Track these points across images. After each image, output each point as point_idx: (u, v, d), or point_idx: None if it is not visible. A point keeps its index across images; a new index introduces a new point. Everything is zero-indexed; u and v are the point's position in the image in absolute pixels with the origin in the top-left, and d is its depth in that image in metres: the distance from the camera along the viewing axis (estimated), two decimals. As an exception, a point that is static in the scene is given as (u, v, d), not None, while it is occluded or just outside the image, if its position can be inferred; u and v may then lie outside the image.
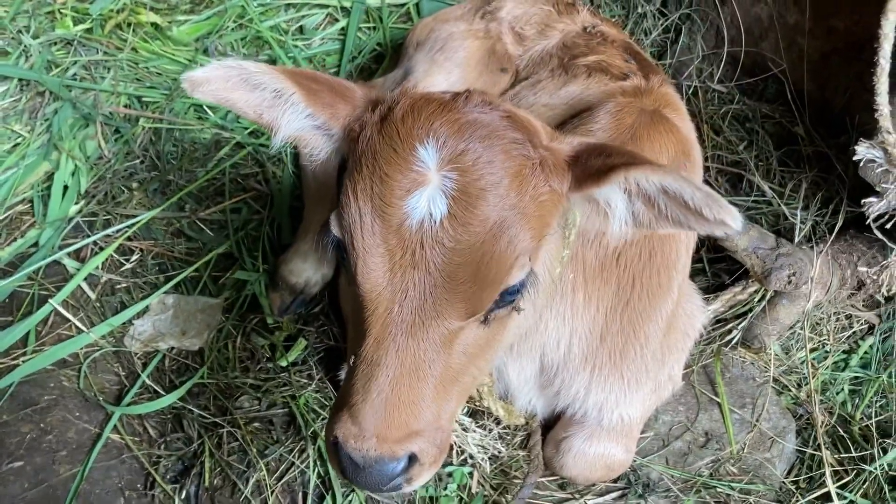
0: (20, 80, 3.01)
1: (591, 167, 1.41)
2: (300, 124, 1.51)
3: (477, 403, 2.23)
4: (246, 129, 3.02)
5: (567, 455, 2.19)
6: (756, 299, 2.49)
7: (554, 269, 1.62)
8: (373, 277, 1.36)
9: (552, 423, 2.31)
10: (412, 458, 1.36)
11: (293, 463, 2.25)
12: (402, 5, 3.47)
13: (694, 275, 2.61)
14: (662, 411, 2.37)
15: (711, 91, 3.09)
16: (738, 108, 3.01)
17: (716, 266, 2.66)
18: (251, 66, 1.44)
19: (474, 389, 1.63)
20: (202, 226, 2.76)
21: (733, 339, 2.49)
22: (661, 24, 3.29)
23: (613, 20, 3.29)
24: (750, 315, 2.48)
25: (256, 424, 2.33)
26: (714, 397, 2.41)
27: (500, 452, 2.31)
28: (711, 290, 2.60)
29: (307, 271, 2.57)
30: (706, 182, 2.60)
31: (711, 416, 2.38)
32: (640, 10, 3.37)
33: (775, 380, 2.46)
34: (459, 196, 1.32)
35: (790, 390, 2.47)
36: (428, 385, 1.37)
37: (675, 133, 2.07)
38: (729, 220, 1.27)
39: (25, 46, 3.07)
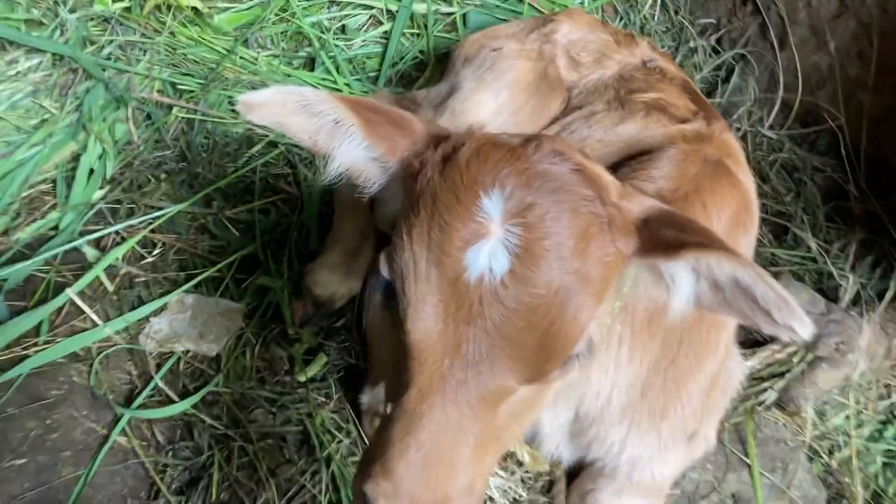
0: (53, 54, 2.91)
1: (662, 238, 1.32)
2: (356, 155, 1.43)
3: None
4: (280, 127, 2.92)
5: (593, 510, 2.10)
6: (795, 360, 2.41)
7: (604, 324, 1.54)
8: (424, 327, 1.26)
9: (576, 472, 2.23)
10: None
11: (304, 485, 2.16)
12: (449, 14, 3.38)
13: (732, 327, 2.53)
14: (691, 469, 2.29)
15: (761, 136, 3.00)
16: (788, 157, 2.93)
17: (755, 320, 2.56)
18: (311, 94, 1.36)
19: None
20: (228, 224, 2.67)
21: (768, 399, 2.40)
22: (713, 63, 3.20)
23: (666, 53, 3.21)
24: (788, 376, 2.39)
25: (269, 441, 2.23)
26: (744, 458, 2.32)
27: (520, 497, 2.22)
28: (748, 344, 2.51)
29: (333, 284, 2.48)
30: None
31: (740, 478, 2.29)
32: (691, 44, 3.29)
33: (808, 445, 2.37)
34: (523, 254, 1.23)
35: (822, 457, 2.39)
36: (468, 445, 1.25)
37: (737, 187, 1.99)
38: (798, 328, 1.18)
39: (62, 20, 2.96)
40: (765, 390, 2.42)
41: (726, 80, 3.18)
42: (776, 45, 3.00)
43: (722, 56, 3.20)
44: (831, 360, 2.31)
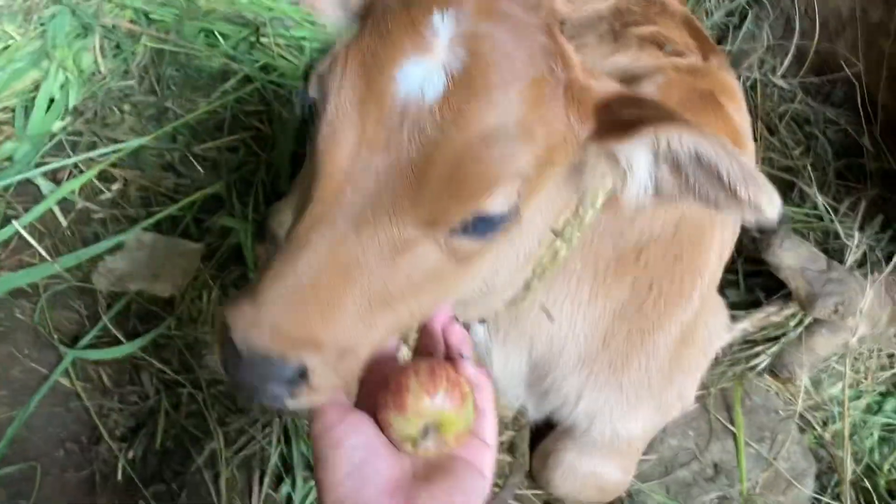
0: (20, -23, 2.76)
1: (619, 118, 1.15)
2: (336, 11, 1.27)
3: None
4: (256, 62, 2.76)
5: (556, 470, 1.96)
6: (792, 324, 2.23)
7: (547, 233, 1.38)
8: (336, 149, 1.08)
9: (544, 432, 2.08)
10: (303, 374, 1.04)
11: (254, 437, 2.03)
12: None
13: (725, 286, 2.35)
14: (670, 434, 2.13)
15: (772, 86, 2.79)
16: (799, 108, 2.71)
17: (752, 280, 2.38)
18: None
19: (405, 331, 1.29)
20: (194, 162, 2.52)
21: (760, 364, 2.23)
22: (726, 7, 2.98)
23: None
24: (783, 340, 2.22)
25: (220, 388, 2.10)
26: (729, 426, 2.16)
27: (482, 453, 2.08)
28: (743, 306, 2.33)
29: (299, 226, 2.33)
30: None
31: (724, 447, 2.13)
32: (704, -14, 3.07)
33: (800, 415, 2.20)
34: (462, 79, 1.05)
35: (815, 429, 2.22)
36: (354, 293, 1.07)
37: (725, 120, 1.81)
38: (765, 205, 1.03)
39: (30, -59, 2.81)
40: (757, 355, 2.25)
41: (739, 26, 2.96)
42: (793, -12, 2.78)
43: (735, 0, 2.98)
44: (831, 325, 2.12)
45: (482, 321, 1.70)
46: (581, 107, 1.16)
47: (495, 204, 1.10)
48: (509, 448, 2.11)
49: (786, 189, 2.58)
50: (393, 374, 1.11)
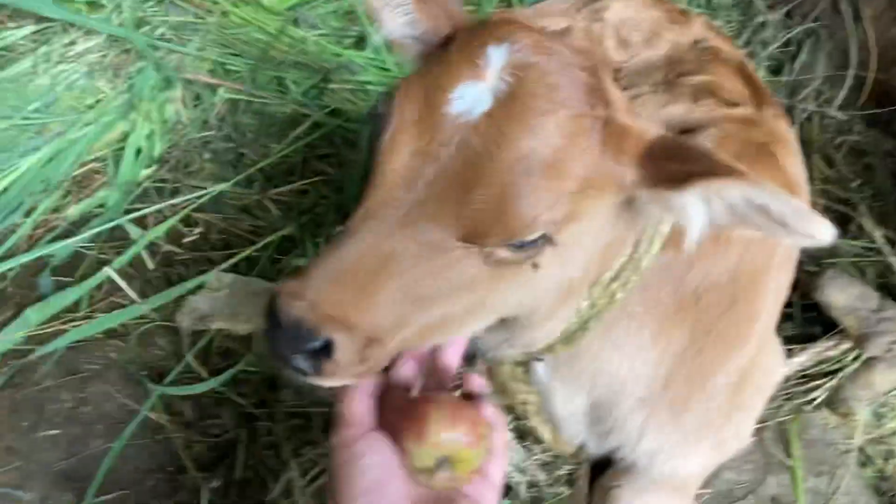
0: (109, 35, 2.98)
1: (667, 171, 1.23)
2: (402, 30, 1.41)
3: (522, 422, 2.08)
4: (324, 108, 2.92)
5: (615, 507, 2.02)
6: (849, 358, 2.24)
7: (594, 268, 1.45)
8: (393, 156, 1.21)
9: (604, 466, 2.14)
10: (329, 347, 1.13)
11: (326, 468, 2.15)
12: (505, -9, 3.29)
13: (781, 320, 2.37)
14: (726, 468, 2.17)
15: (829, 118, 2.80)
16: (857, 139, 2.72)
17: (807, 314, 2.40)
18: None
19: (437, 339, 1.40)
20: (269, 205, 2.68)
21: (818, 398, 2.25)
22: (782, 38, 3.00)
23: (725, 30, 3.03)
24: (840, 375, 2.23)
25: (295, 421, 2.24)
26: (786, 460, 2.19)
27: (539, 481, 2.16)
28: (799, 339, 2.35)
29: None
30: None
31: (780, 482, 2.16)
32: (759, 18, 3.09)
33: (860, 449, 2.21)
34: (506, 103, 1.18)
35: (875, 463, 2.23)
36: (389, 284, 1.17)
37: (780, 172, 1.85)
38: (817, 233, 1.09)
39: (119, 1, 3.04)
40: (814, 389, 2.27)
41: (796, 56, 2.98)
42: (850, 19, 2.78)
43: (791, 31, 3.00)
44: (888, 360, 2.14)
45: (540, 359, 1.79)
46: (621, 146, 1.24)
47: (530, 235, 1.20)
48: (567, 481, 2.19)
49: (843, 222, 2.59)
50: (415, 403, 1.17)
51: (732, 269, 1.74)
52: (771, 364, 2.06)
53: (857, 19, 2.77)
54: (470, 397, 1.27)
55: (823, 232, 1.08)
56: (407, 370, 1.34)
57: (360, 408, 1.22)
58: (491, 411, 1.27)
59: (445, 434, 1.11)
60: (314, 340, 1.13)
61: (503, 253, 1.23)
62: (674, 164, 1.23)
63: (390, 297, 1.18)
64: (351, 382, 1.22)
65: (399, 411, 1.19)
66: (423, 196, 1.18)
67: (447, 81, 1.22)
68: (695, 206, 1.21)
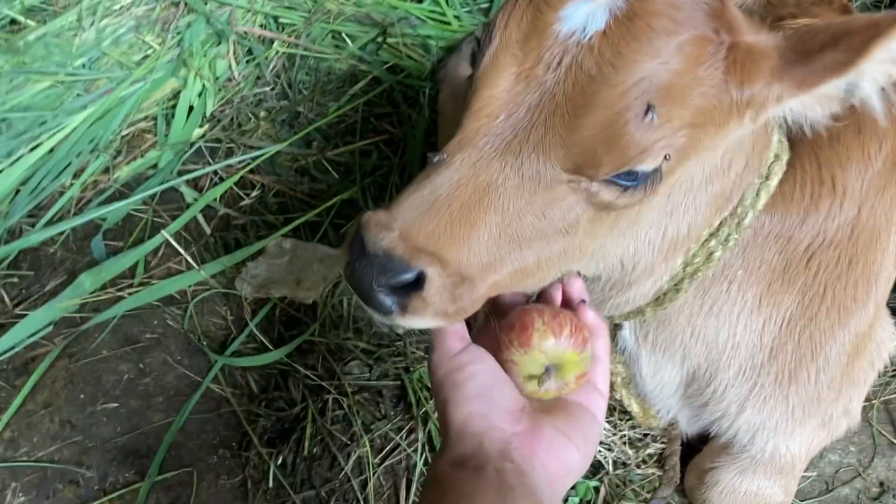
0: (156, -13, 2.83)
1: (821, 64, 1.12)
2: None
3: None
4: (384, 63, 2.75)
5: (713, 489, 1.87)
6: (964, 331, 2.07)
7: (698, 218, 1.36)
8: (495, 78, 1.12)
9: (695, 443, 2.00)
10: (420, 281, 1.06)
11: (399, 444, 2.02)
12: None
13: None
14: (830, 449, 2.02)
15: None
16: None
17: (916, 283, 2.23)
18: None
19: (527, 285, 1.27)
20: (328, 166, 2.53)
21: (926, 378, 2.09)
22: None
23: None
24: (954, 350, 2.06)
25: (365, 395, 2.11)
26: (895, 441, 2.03)
27: (627, 459, 2.02)
28: (907, 312, 2.19)
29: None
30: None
31: (890, 464, 2.00)
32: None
33: (975, 429, 2.05)
34: (624, 20, 1.08)
35: None
36: (487, 217, 1.09)
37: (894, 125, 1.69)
38: None
39: (165, -49, 2.88)
40: (924, 367, 2.10)
41: (891, 4, 2.78)
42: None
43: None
44: None
45: (628, 319, 1.64)
46: (750, 69, 1.13)
47: (643, 165, 1.11)
48: (658, 461, 2.04)
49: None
50: (516, 315, 1.12)
51: (851, 223, 1.58)
52: (884, 335, 1.90)
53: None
54: (568, 306, 1.22)
55: None
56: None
57: (458, 323, 1.15)
58: (591, 316, 1.21)
59: (552, 339, 1.09)
60: (405, 272, 1.05)
61: (609, 194, 1.13)
62: (822, 54, 1.11)
63: (486, 233, 1.09)
64: (434, 325, 1.12)
65: (497, 326, 1.14)
66: (526, 123, 1.09)
67: None
68: (865, 79, 1.12)
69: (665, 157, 1.12)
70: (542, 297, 1.28)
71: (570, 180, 1.11)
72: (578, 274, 1.29)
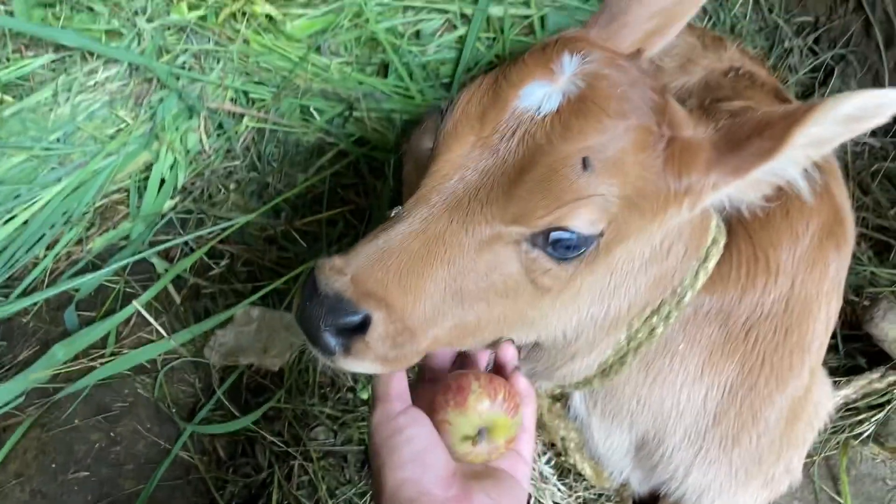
0: (130, 64, 2.94)
1: (749, 152, 1.22)
2: None
3: (562, 458, 2.03)
4: (351, 136, 2.88)
5: (665, 545, 1.96)
6: (896, 391, 2.20)
7: (638, 299, 1.44)
8: (453, 144, 1.23)
9: (647, 502, 2.09)
10: (365, 325, 1.12)
11: (364, 505, 2.09)
12: (527, 17, 3.26)
13: (826, 352, 2.33)
14: (774, 504, 2.12)
15: (861, 144, 2.77)
16: (892, 166, 2.69)
17: (851, 345, 2.36)
18: None
19: (467, 344, 1.34)
20: (296, 236, 2.63)
21: (865, 432, 2.20)
22: (810, 64, 2.98)
23: (757, 56, 3.01)
24: (888, 409, 2.19)
25: (330, 460, 2.18)
26: (836, 496, 2.14)
27: (581, 519, 2.10)
28: (843, 371, 2.32)
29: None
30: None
31: (831, 518, 2.11)
32: (786, 44, 3.07)
33: (910, 485, 2.16)
34: (576, 102, 1.20)
35: (925, 498, 2.18)
36: (434, 272, 1.16)
37: (828, 196, 1.83)
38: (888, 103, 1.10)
39: (139, 30, 2.99)
40: (861, 423, 2.22)
41: (824, 82, 2.95)
42: (881, 44, 2.76)
43: (820, 56, 2.98)
44: (938, 393, 2.10)
45: (577, 389, 1.74)
46: (687, 161, 1.24)
47: (578, 222, 1.19)
48: (612, 520, 2.13)
49: (882, 250, 2.56)
50: (453, 377, 1.18)
51: (786, 297, 1.70)
52: (820, 396, 2.01)
53: (888, 45, 2.74)
54: (501, 372, 1.29)
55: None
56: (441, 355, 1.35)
57: (399, 384, 1.19)
58: (524, 384, 1.28)
59: (487, 402, 1.14)
60: (352, 314, 1.11)
61: (545, 261, 1.22)
62: (749, 144, 1.22)
63: (432, 284, 1.17)
64: (374, 370, 1.18)
65: (434, 388, 1.19)
66: (476, 183, 1.19)
67: (518, 79, 1.24)
68: (789, 163, 1.20)
69: (601, 233, 1.21)
70: (468, 360, 1.36)
71: (511, 235, 1.19)
72: (512, 341, 1.38)
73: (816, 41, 3.03)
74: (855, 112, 1.11)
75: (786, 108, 1.22)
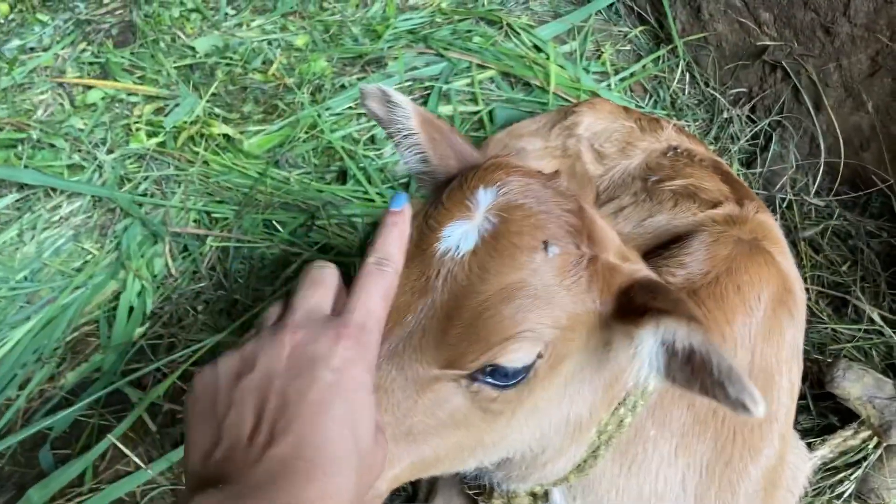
0: (93, 196, 3.00)
1: (633, 303, 1.26)
2: (416, 165, 1.51)
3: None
4: (315, 244, 2.93)
5: None
6: (871, 445, 2.22)
7: (597, 402, 1.44)
8: (397, 291, 1.26)
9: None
10: None
11: None
12: (475, 113, 3.38)
13: (797, 413, 2.36)
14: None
15: (808, 204, 2.86)
16: (839, 223, 2.77)
17: (821, 404, 2.39)
18: (396, 98, 1.46)
19: (431, 474, 1.37)
20: (267, 350, 2.65)
21: (846, 491, 2.22)
22: (751, 131, 3.10)
23: (694, 130, 3.14)
24: (865, 465, 2.21)
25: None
26: (825, 559, 2.14)
27: None
28: (817, 431, 2.35)
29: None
30: (809, 310, 2.37)
31: (822, 582, 2.10)
32: (725, 114, 3.20)
33: (896, 540, 2.17)
34: (490, 240, 1.24)
35: (913, 553, 2.18)
36: (381, 420, 1.18)
37: (775, 267, 1.89)
38: (749, 405, 1.10)
39: (100, 162, 3.08)
40: (841, 482, 2.23)
41: (766, 148, 3.07)
42: (812, 109, 2.88)
43: (759, 124, 3.10)
44: (911, 446, 2.12)
45: (555, 486, 1.75)
46: (606, 285, 1.28)
47: (511, 357, 1.21)
48: None
49: (839, 306, 2.62)
50: None
51: (747, 370, 1.75)
52: (796, 461, 2.04)
53: (818, 109, 2.86)
54: None
55: (755, 407, 1.08)
56: None
57: None
58: None
59: None
60: None
61: (489, 393, 1.24)
62: (641, 297, 1.26)
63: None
64: None
65: None
66: (410, 329, 1.23)
67: (438, 221, 1.29)
68: (648, 343, 1.22)
69: (538, 355, 1.24)
70: None
71: (447, 377, 1.22)
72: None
73: (753, 110, 3.16)
74: (708, 358, 1.13)
75: (682, 302, 1.22)
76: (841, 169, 2.82)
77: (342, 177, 3.20)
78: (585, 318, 1.28)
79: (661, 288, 1.28)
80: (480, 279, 1.21)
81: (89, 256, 2.87)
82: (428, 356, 1.21)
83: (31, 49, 3.67)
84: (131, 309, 2.75)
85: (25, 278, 2.79)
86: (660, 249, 2.04)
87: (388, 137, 1.54)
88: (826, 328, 2.50)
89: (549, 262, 1.24)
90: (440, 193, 1.36)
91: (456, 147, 1.49)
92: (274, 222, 2.98)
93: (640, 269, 1.35)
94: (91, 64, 3.58)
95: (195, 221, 2.98)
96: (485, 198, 1.29)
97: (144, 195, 3.01)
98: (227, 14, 3.83)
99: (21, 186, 3.05)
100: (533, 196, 1.29)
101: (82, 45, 3.67)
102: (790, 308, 1.89)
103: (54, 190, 3.04)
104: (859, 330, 2.48)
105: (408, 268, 1.26)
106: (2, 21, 3.82)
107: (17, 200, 3.05)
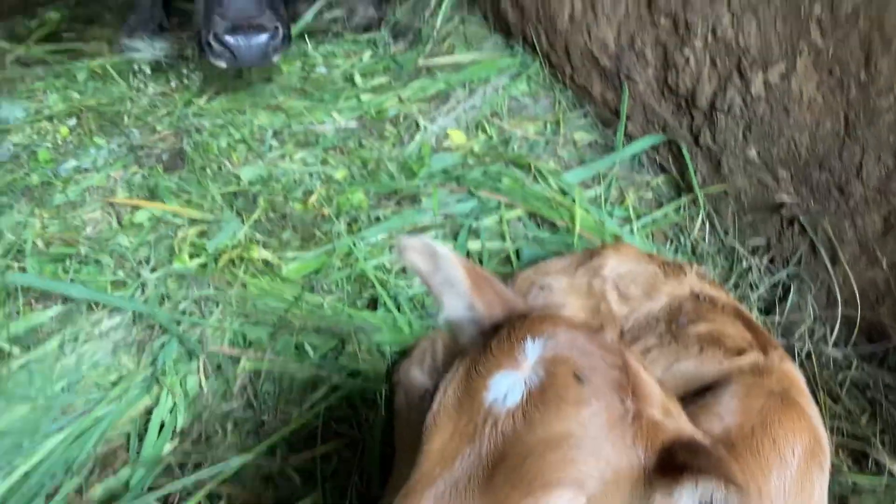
0: (133, 312, 3.12)
1: (675, 459, 1.32)
2: (461, 312, 1.58)
3: None
4: (343, 369, 3.01)
5: None
6: None
7: None
8: (436, 433, 1.35)
9: None
10: None
11: None
12: (502, 250, 3.53)
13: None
14: None
15: (826, 355, 2.94)
16: (857, 374, 2.84)
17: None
18: (440, 251, 1.54)
19: None
20: (292, 474, 2.69)
21: None
22: (769, 281, 3.21)
23: (714, 277, 3.25)
24: None
25: None
26: None
27: None
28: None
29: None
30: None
31: None
32: (744, 263, 3.32)
33: None
34: (537, 394, 1.31)
35: None
36: None
37: (806, 420, 1.95)
38: None
39: (143, 280, 3.22)
40: None
41: (784, 297, 3.17)
42: (828, 263, 3.00)
43: (776, 275, 3.22)
44: None
45: None
46: (650, 442, 1.34)
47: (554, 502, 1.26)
48: None
49: (859, 457, 2.65)
50: None
51: None
52: None
53: (835, 263, 2.98)
54: None
55: None
56: None
57: None
58: None
59: None
60: None
61: None
62: (681, 455, 1.31)
63: None
64: None
65: None
66: (457, 474, 1.29)
67: (486, 369, 1.37)
68: (685, 502, 1.28)
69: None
70: None
71: None
72: None
73: (771, 260, 3.28)
74: None
75: (720, 459, 1.29)
76: (858, 321, 2.90)
77: (373, 304, 3.32)
78: (629, 473, 1.33)
79: (701, 448, 1.34)
80: (526, 430, 1.29)
81: (125, 371, 2.96)
82: (474, 503, 1.27)
83: (86, 169, 3.89)
84: (162, 425, 2.81)
85: (62, 389, 2.87)
86: (693, 396, 2.10)
87: (426, 287, 1.63)
88: (846, 480, 2.52)
89: (593, 416, 1.31)
90: (487, 339, 1.45)
91: (502, 295, 1.60)
92: (306, 345, 3.07)
93: (683, 428, 1.41)
94: (140, 186, 3.78)
95: (230, 342, 3.08)
96: (532, 349, 1.37)
97: (184, 313, 3.12)
98: (271, 146, 4.07)
99: (66, 300, 3.18)
100: (579, 351, 1.38)
101: (133, 168, 3.90)
102: (821, 461, 1.94)
103: (97, 304, 3.16)
104: (880, 483, 2.50)
105: (457, 411, 1.36)
106: (60, 143, 4.06)
107: (60, 313, 3.17)
